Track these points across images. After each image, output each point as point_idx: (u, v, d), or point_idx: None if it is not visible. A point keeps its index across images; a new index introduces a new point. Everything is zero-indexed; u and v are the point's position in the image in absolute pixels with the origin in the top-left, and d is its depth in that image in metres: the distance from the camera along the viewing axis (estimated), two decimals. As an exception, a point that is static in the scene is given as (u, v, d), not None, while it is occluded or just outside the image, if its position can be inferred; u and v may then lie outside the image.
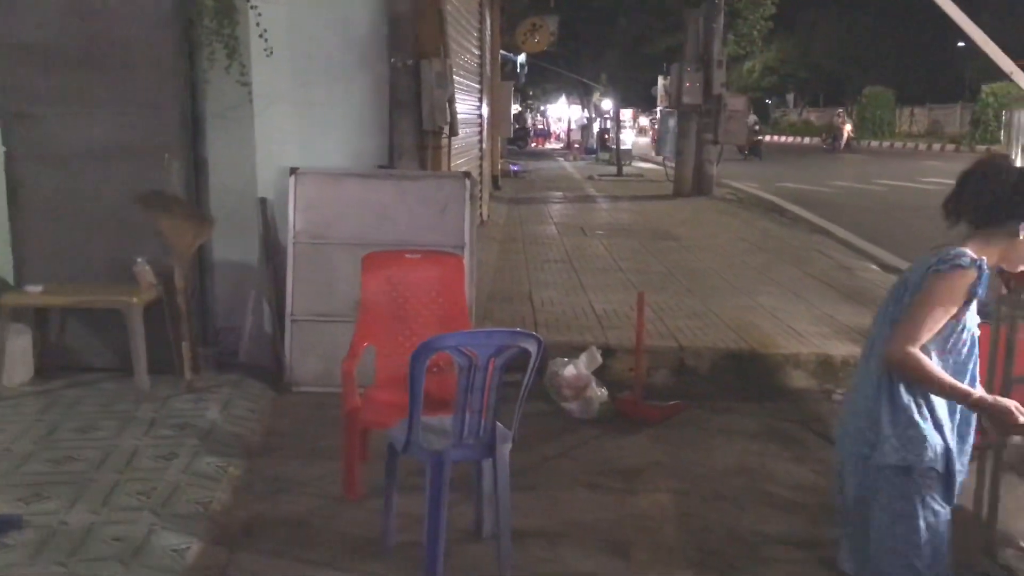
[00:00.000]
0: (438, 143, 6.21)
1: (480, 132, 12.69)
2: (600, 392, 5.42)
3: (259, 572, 3.46)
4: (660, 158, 22.54)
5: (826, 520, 4.00)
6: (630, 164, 25.08)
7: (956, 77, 37.14)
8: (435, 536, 3.29)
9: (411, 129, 5.83)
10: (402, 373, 3.34)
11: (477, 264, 6.20)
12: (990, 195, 2.47)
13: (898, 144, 36.72)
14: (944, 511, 2.57)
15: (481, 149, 12.67)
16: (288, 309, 5.65)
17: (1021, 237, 2.48)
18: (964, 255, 2.43)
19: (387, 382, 4.18)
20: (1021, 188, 2.45)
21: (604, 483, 4.40)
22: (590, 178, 21.94)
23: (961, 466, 2.59)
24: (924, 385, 2.48)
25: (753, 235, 12.00)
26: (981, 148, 28.60)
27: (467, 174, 5.84)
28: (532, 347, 3.32)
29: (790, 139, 44.10)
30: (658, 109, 28.38)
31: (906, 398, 2.51)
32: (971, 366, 2.56)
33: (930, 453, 2.50)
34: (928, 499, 2.53)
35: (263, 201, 5.80)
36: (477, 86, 12.03)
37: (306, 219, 5.68)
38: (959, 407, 2.55)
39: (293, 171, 5.68)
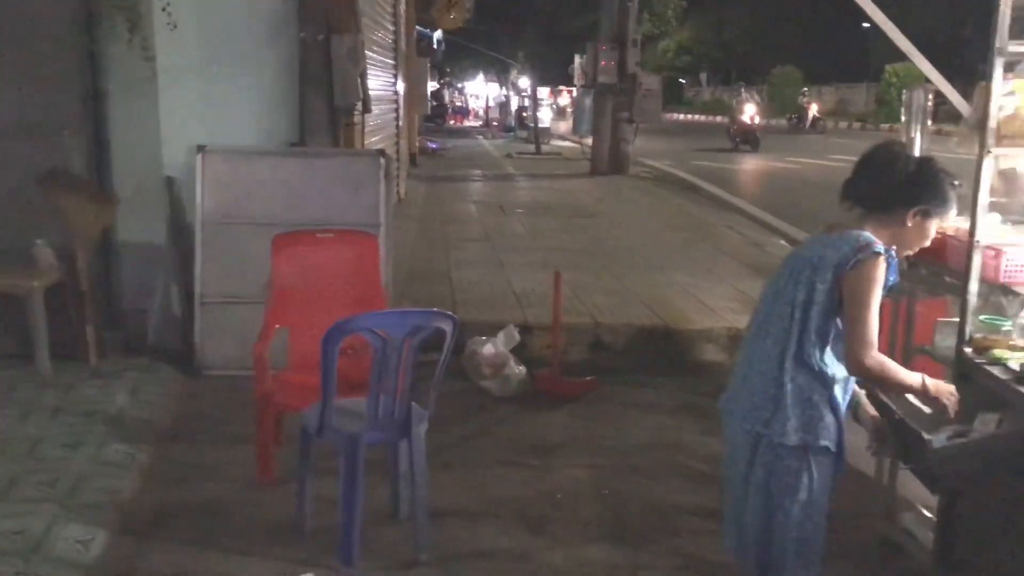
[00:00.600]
0: (351, 120, 6.12)
1: (396, 109, 12.54)
2: (518, 370, 5.45)
3: (169, 561, 3.38)
4: (578, 136, 22.65)
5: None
6: (548, 142, 25.12)
7: (862, 57, 38.24)
8: (351, 519, 3.26)
9: (323, 106, 5.73)
10: (316, 355, 3.28)
11: (394, 243, 6.14)
12: (886, 183, 2.56)
13: (807, 123, 37.64)
14: (827, 487, 2.62)
15: (397, 127, 12.52)
16: (197, 291, 5.51)
17: (909, 224, 2.57)
18: (874, 241, 2.49)
19: (301, 365, 4.11)
20: (914, 178, 2.55)
21: (522, 460, 4.43)
22: (508, 156, 21.93)
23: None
24: (892, 386, 2.57)
25: (668, 213, 12.18)
26: (885, 127, 29.63)
27: (381, 152, 5.76)
28: (447, 327, 3.31)
29: (703, 118, 44.83)
30: (575, 87, 28.49)
31: (809, 381, 2.55)
32: None
33: (827, 433, 2.55)
34: (817, 476, 2.58)
35: (169, 180, 5.62)
36: (392, 62, 11.87)
37: (215, 199, 5.53)
38: (851, 388, 2.63)
39: (200, 149, 5.52)
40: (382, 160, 5.59)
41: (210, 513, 3.76)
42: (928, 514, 3.48)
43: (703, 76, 53.85)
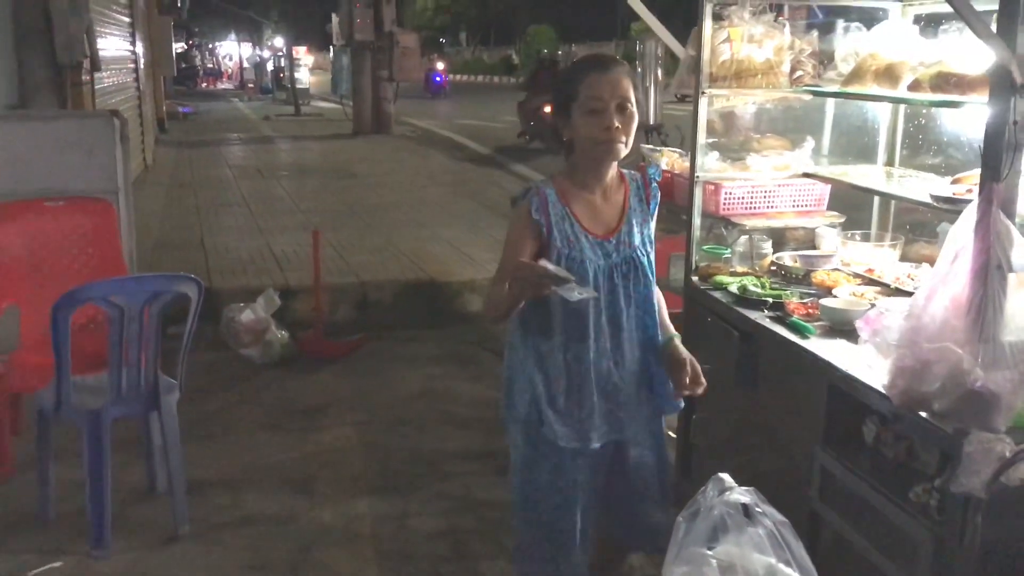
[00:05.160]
0: (78, 79, 5.64)
1: (135, 70, 11.71)
2: (280, 334, 5.32)
3: None
4: (338, 97, 22.20)
5: (501, 431, 4.25)
6: (308, 103, 24.46)
7: (611, 16, 39.95)
8: (99, 498, 3.08)
9: (44, 64, 5.25)
10: (50, 332, 3.05)
11: (138, 211, 5.78)
12: None
13: (563, 80, 38.96)
14: (537, 459, 2.32)
15: (139, 89, 11.70)
16: (-92, 274, 4.92)
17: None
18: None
19: (35, 344, 3.80)
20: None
21: (287, 424, 4.35)
22: (267, 118, 21.14)
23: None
24: (504, 309, 2.20)
25: (432, 170, 12.25)
26: (634, 82, 31.23)
27: (116, 112, 5.37)
28: (191, 291, 3.18)
29: (466, 77, 45.27)
30: (332, 46, 27.82)
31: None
32: None
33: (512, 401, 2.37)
34: (521, 446, 2.34)
35: None
36: (127, 19, 11.06)
37: (-79, 169, 4.94)
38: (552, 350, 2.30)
39: (-101, 114, 4.91)
40: (117, 121, 5.21)
41: (-63, 514, 3.42)
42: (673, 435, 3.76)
43: (462, 36, 54.27)
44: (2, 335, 3.79)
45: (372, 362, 5.23)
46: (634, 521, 2.47)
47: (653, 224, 2.37)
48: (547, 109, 14.91)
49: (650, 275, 2.32)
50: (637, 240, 2.29)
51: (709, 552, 1.08)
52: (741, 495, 1.10)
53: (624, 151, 2.18)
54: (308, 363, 5.19)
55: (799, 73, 3.23)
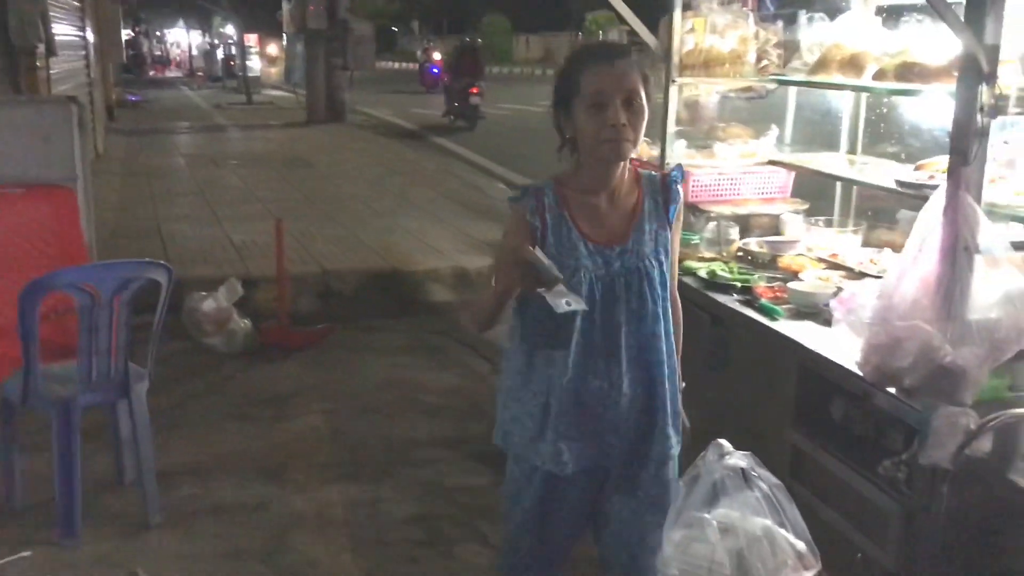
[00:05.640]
0: (33, 64, 5.53)
1: (86, 57, 11.47)
2: (243, 324, 5.28)
3: None
4: (291, 85, 21.96)
5: (470, 417, 4.30)
6: (260, 92, 24.18)
7: (565, 7, 40.03)
8: (69, 487, 3.05)
9: (-3, 48, 5.13)
10: (13, 322, 3.00)
11: (94, 200, 5.68)
12: None
13: (516, 70, 39.01)
14: (520, 489, 2.15)
15: (89, 76, 11.47)
16: None
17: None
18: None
19: (-2, 334, 3.73)
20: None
21: (254, 413, 4.33)
22: (218, 107, 20.87)
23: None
24: (486, 320, 2.08)
25: (389, 160, 12.20)
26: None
27: (74, 99, 5.26)
28: (161, 277, 3.15)
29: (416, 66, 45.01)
30: (284, 34, 27.50)
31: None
32: None
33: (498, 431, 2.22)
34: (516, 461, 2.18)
35: None
36: (77, 4, 10.83)
37: None
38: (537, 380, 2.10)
39: None
40: (75, 107, 5.11)
41: None
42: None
43: (415, 24, 53.95)
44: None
45: (338, 352, 5.22)
46: (620, 566, 2.18)
47: (674, 232, 2.08)
48: (473, 91, 15.23)
49: (660, 289, 2.03)
50: (648, 248, 2.02)
51: (708, 515, 1.13)
52: (739, 459, 1.14)
53: (631, 151, 1.95)
54: (273, 353, 5.16)
55: (765, 62, 3.30)
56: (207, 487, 3.59)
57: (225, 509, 3.43)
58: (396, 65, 46.21)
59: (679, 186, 2.09)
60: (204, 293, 5.35)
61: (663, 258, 2.05)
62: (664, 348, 2.05)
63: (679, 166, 2.13)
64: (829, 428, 2.45)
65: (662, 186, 2.07)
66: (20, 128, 4.98)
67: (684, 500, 1.15)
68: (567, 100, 1.97)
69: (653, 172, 2.12)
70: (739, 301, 2.87)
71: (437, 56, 25.14)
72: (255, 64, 25.87)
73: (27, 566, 3.00)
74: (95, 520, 3.23)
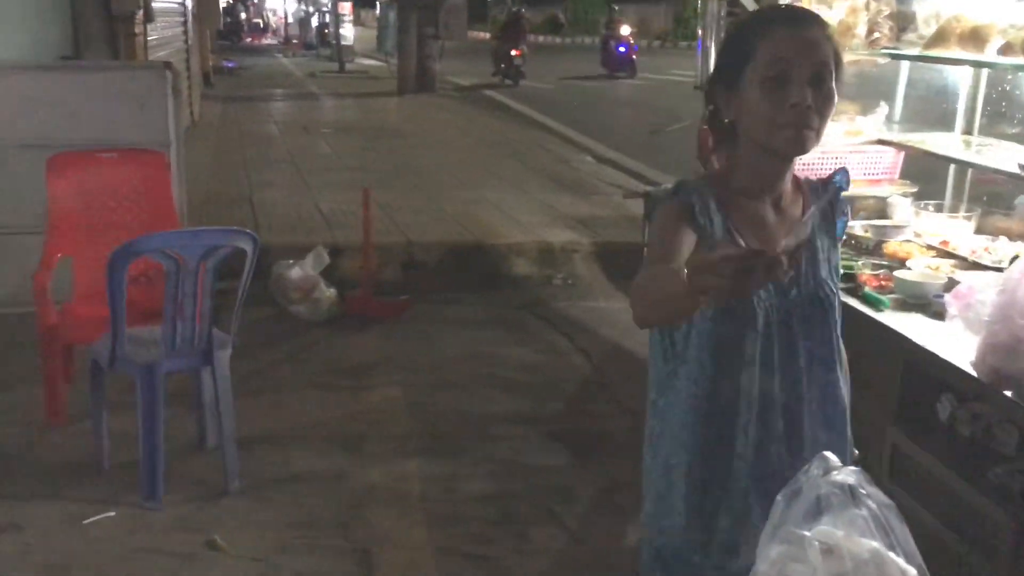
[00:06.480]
0: (131, 30, 5.62)
1: (184, 23, 11.70)
2: (328, 292, 5.30)
3: (-53, 514, 3.09)
4: (382, 54, 22.06)
5: (548, 396, 4.23)
6: (353, 60, 24.35)
7: (659, -23, 39.19)
8: (152, 450, 3.09)
9: (98, 14, 5.22)
10: (103, 284, 3.04)
11: (187, 165, 5.77)
12: None
13: (610, 42, 38.50)
14: None
15: (187, 42, 11.70)
16: (-34, 222, 4.98)
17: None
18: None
19: (88, 295, 3.81)
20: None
21: (334, 382, 4.34)
22: (311, 75, 21.09)
23: None
24: (663, 312, 1.49)
25: (477, 131, 12.15)
26: (684, 44, 30.74)
27: (168, 64, 5.34)
28: (247, 246, 3.15)
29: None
30: (378, 3, 27.65)
31: None
32: None
33: None
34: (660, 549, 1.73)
35: (-79, 98, 4.99)
36: (177, -29, 11.04)
37: (-23, 119, 4.96)
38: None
39: (-44, 63, 4.92)
40: (169, 73, 5.19)
41: (-6, 459, 3.46)
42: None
43: (508, -6, 53.61)
44: (56, 286, 3.80)
45: (418, 323, 5.20)
46: None
47: (839, 251, 1.72)
48: (516, 54, 15.91)
49: (836, 324, 1.65)
50: (824, 271, 1.62)
51: (809, 533, 1.02)
52: (847, 476, 1.03)
53: (814, 143, 1.52)
54: (355, 322, 5.17)
55: (876, 35, 3.10)
56: (285, 455, 3.61)
57: (302, 478, 3.44)
58: (488, 36, 46.10)
59: (844, 193, 1.71)
60: (291, 261, 5.38)
61: (837, 284, 1.65)
62: (844, 403, 1.64)
63: (843, 170, 1.71)
64: (934, 429, 2.29)
65: (833, 198, 1.66)
66: (116, 93, 5.09)
67: (782, 514, 1.04)
68: (734, 71, 1.54)
69: (811, 178, 1.71)
70: (841, 289, 2.70)
71: (627, 31, 19.39)
72: (348, 32, 25.99)
73: (110, 525, 3.06)
74: (176, 483, 3.28)
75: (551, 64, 23.38)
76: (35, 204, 4.78)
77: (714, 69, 1.64)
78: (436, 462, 3.59)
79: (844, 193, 1.71)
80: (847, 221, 1.73)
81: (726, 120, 1.58)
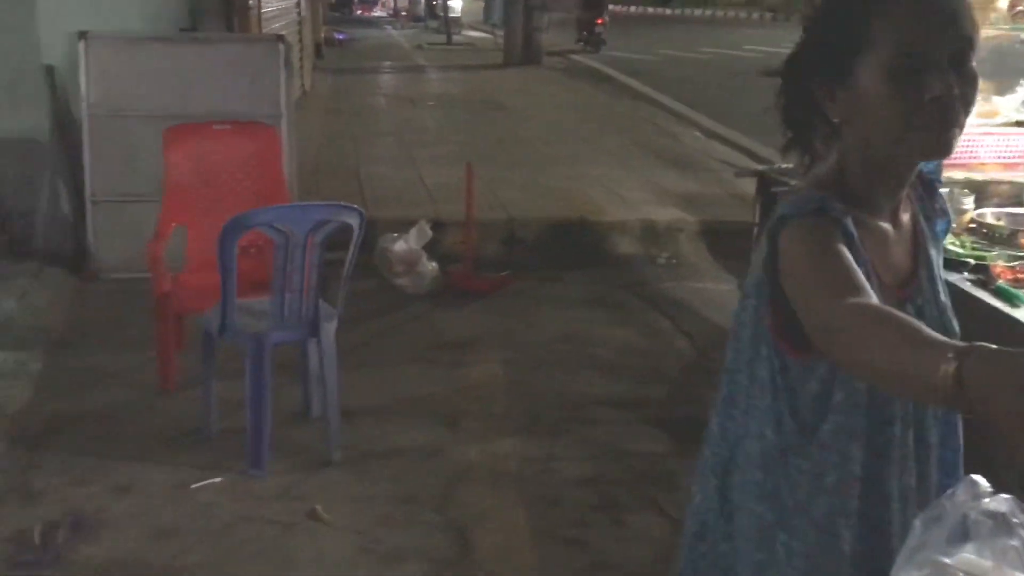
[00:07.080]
0: (246, 4, 5.72)
1: (297, -4, 11.92)
2: (431, 266, 5.33)
3: (65, 471, 3.22)
4: (489, 26, 22.03)
5: (650, 379, 4.14)
6: (460, 33, 24.44)
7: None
8: (259, 421, 3.16)
9: (214, -13, 5.33)
10: (215, 254, 3.11)
11: (297, 137, 5.86)
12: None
13: (720, 13, 37.51)
14: None
15: (299, 15, 11.92)
16: (88, 190, 5.19)
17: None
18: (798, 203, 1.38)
19: (200, 265, 3.91)
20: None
21: (435, 357, 4.35)
22: (419, 47, 21.27)
23: None
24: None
25: (581, 104, 12.01)
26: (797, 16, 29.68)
27: (281, 37, 5.43)
28: (354, 221, 3.17)
29: (629, 8, 44.09)
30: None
31: None
32: None
33: None
34: None
35: (50, 69, 5.20)
36: (291, -56, 11.22)
37: (101, 89, 5.15)
38: None
39: (83, 35, 5.10)
40: (281, 46, 5.27)
41: (108, 421, 3.59)
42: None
43: (616, -35, 52.75)
44: (170, 255, 3.91)
45: (518, 300, 5.17)
46: None
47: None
48: (599, 22, 15.97)
49: None
50: (943, 293, 1.37)
51: (951, 560, 0.93)
52: (999, 504, 0.93)
53: (957, 142, 1.23)
54: (456, 297, 5.18)
55: (1020, 7, 2.87)
56: (385, 428, 3.64)
57: (401, 452, 3.46)
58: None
59: (939, 187, 1.46)
60: (396, 234, 5.42)
61: (949, 304, 1.37)
62: (961, 440, 1.39)
63: (936, 164, 1.49)
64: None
65: (926, 193, 1.40)
66: (229, 65, 5.20)
67: (920, 538, 0.94)
68: (841, 59, 1.22)
69: None
70: (971, 281, 2.53)
71: None
72: (456, 4, 26.09)
73: (216, 491, 3.14)
74: (281, 452, 3.34)
75: (659, 37, 22.95)
76: (151, 173, 4.96)
77: (806, 53, 1.29)
78: (534, 442, 3.56)
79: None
80: (951, 222, 1.44)
81: (833, 119, 1.27)
